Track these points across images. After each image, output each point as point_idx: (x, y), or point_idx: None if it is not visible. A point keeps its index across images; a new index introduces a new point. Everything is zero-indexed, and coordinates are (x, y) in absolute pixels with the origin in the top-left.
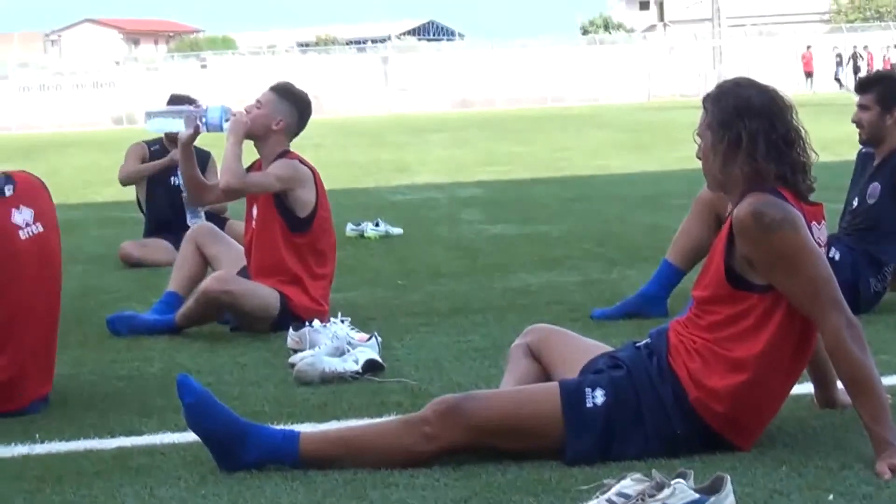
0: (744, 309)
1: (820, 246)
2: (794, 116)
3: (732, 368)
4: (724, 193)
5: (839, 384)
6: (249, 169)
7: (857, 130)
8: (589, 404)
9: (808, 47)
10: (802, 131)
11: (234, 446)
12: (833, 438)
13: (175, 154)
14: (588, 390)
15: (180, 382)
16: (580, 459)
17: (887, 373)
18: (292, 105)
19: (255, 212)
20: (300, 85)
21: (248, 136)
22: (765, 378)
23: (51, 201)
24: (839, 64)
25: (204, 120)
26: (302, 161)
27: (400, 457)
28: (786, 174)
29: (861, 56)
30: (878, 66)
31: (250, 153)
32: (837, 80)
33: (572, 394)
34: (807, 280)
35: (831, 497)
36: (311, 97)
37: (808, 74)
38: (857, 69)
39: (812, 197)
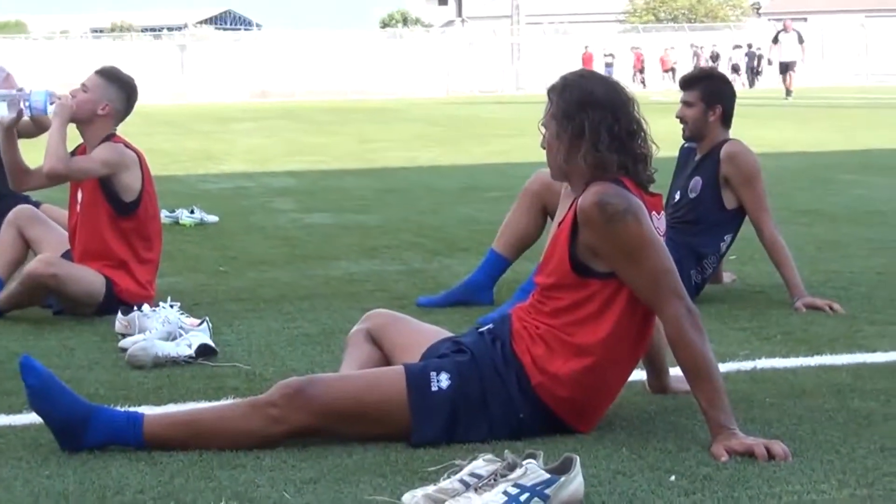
0: (587, 295)
1: (660, 235)
2: (636, 109)
3: (575, 354)
4: (568, 183)
5: (672, 371)
6: (73, 153)
7: (681, 126)
8: (434, 388)
9: (587, 47)
10: (644, 123)
11: (77, 428)
12: (668, 423)
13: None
14: (433, 374)
15: (24, 364)
16: (426, 443)
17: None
18: (119, 89)
19: (80, 196)
20: (91, 72)
21: (74, 120)
22: (607, 363)
23: None
24: (609, 66)
25: (27, 103)
26: (127, 145)
27: (247, 440)
28: (627, 164)
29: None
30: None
31: (74, 137)
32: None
33: (417, 377)
34: (648, 270)
35: (673, 478)
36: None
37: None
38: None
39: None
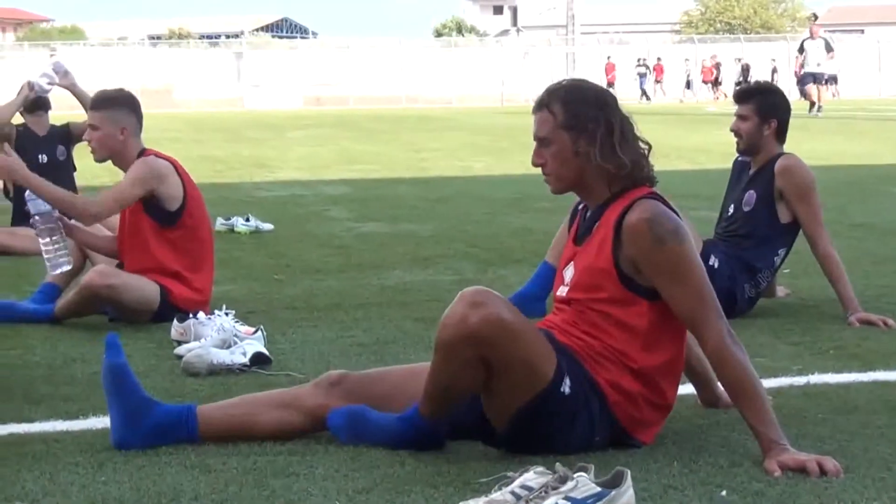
0: (638, 312)
1: None
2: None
3: (639, 375)
4: (577, 193)
5: (720, 385)
6: None
7: (735, 139)
8: (562, 388)
9: (609, 57)
10: (632, 119)
11: (136, 415)
12: (720, 437)
13: (26, 91)
14: (567, 376)
15: (110, 342)
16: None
17: (765, 375)
18: (121, 108)
19: (125, 214)
20: (153, 78)
21: (106, 159)
22: (666, 380)
23: None
24: (642, 76)
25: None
26: (158, 155)
27: (298, 415)
28: (640, 161)
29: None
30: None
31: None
32: (643, 90)
33: (560, 369)
34: (693, 289)
35: (724, 493)
36: (163, 90)
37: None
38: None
39: (675, 204)
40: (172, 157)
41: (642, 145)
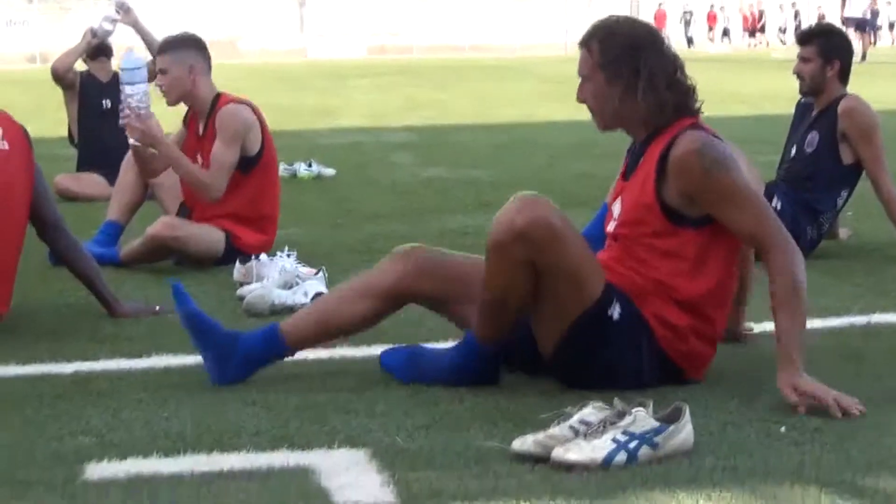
0: (681, 243)
1: None
2: (670, 44)
3: (687, 307)
4: (624, 130)
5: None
6: (185, 122)
7: (797, 81)
8: (610, 313)
9: (660, 4)
10: (677, 60)
11: (225, 350)
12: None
13: (89, 38)
14: (616, 300)
15: (177, 290)
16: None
17: (826, 315)
18: (188, 49)
19: (199, 159)
20: (217, 29)
21: (178, 101)
22: (714, 307)
23: (21, 130)
24: (687, 23)
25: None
26: (235, 100)
27: (377, 300)
28: (684, 100)
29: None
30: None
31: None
32: (688, 38)
33: (608, 293)
34: (751, 209)
35: (783, 429)
36: (227, 41)
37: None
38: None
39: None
40: (247, 98)
41: (685, 84)
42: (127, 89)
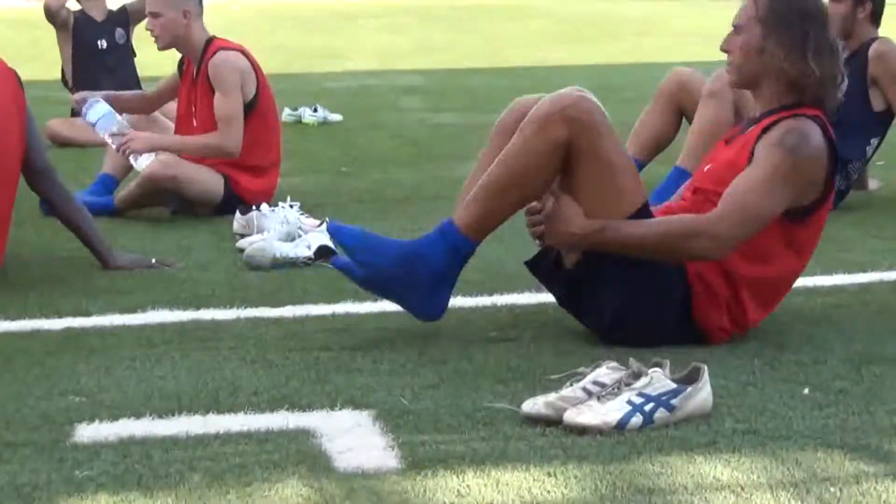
0: None
1: None
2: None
3: (735, 280)
4: (751, 90)
5: None
6: (180, 68)
7: None
8: None
9: None
10: (840, 45)
11: (413, 270)
12: (802, 333)
13: None
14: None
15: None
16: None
17: (854, 270)
18: None
19: (194, 109)
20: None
21: (170, 46)
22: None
23: (13, 75)
24: None
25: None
26: (228, 45)
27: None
28: (826, 83)
29: None
30: None
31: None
32: None
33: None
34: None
35: (806, 390)
36: None
37: None
38: None
39: None
40: (240, 44)
41: (836, 71)
42: (99, 131)
